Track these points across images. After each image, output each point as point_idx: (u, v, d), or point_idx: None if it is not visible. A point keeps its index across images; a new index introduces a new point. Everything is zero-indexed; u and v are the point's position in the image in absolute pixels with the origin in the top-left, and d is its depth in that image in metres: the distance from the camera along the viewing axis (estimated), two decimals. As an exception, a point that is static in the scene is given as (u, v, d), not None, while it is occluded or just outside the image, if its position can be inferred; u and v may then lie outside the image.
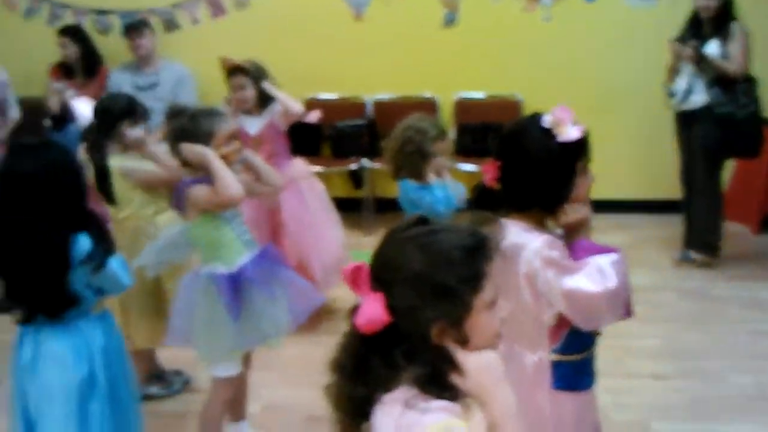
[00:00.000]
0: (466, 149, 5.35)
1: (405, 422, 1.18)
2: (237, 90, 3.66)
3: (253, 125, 3.75)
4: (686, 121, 4.53)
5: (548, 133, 1.75)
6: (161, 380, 3.19)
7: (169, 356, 3.23)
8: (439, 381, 1.22)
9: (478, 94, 5.58)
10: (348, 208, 5.47)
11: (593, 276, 1.70)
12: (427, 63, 5.54)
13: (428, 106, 5.56)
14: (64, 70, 5.43)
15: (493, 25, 5.48)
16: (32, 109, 5.33)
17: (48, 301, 2.02)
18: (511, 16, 5.47)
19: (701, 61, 4.34)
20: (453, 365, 1.23)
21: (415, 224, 1.29)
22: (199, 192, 2.33)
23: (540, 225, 1.81)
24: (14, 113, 5.31)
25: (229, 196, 2.29)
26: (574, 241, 1.80)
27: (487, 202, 1.84)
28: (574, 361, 1.82)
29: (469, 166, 5.16)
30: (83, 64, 5.40)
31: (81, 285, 2.03)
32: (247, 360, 2.59)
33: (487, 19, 5.48)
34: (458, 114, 5.59)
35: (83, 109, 2.16)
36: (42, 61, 5.46)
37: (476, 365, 1.23)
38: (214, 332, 2.34)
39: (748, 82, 4.37)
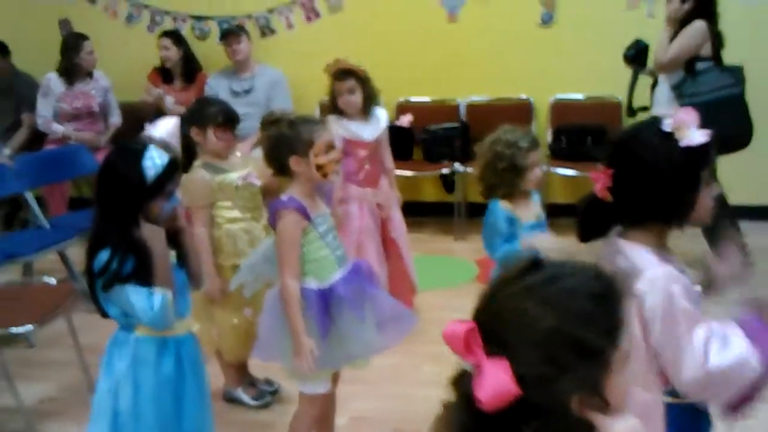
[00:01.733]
0: (562, 153, 5.16)
1: None
2: (346, 94, 3.58)
3: (365, 130, 3.68)
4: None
5: (669, 138, 1.57)
6: (253, 388, 3.17)
7: (259, 364, 3.22)
8: None
9: (576, 96, 5.38)
10: (439, 213, 5.41)
11: (730, 356, 1.49)
12: (523, 64, 5.39)
13: (523, 108, 5.42)
14: (162, 75, 5.56)
15: (593, 23, 5.26)
16: (132, 114, 5.50)
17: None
18: (612, 13, 5.24)
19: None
20: None
21: (527, 270, 1.08)
22: (288, 228, 2.29)
23: (659, 243, 1.64)
24: (116, 119, 5.50)
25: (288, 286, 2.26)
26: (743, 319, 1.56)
27: (597, 214, 1.69)
28: (690, 405, 1.65)
29: (566, 171, 4.99)
30: (182, 68, 5.51)
31: (102, 298, 2.02)
32: (335, 377, 2.53)
33: (586, 16, 5.27)
34: (554, 116, 5.40)
35: (163, 127, 2.12)
36: (142, 67, 5.61)
37: None
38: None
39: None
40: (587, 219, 1.72)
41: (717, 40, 4.13)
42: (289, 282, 2.26)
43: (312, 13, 5.69)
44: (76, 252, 3.89)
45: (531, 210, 2.78)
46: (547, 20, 5.37)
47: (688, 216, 1.62)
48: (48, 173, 4.63)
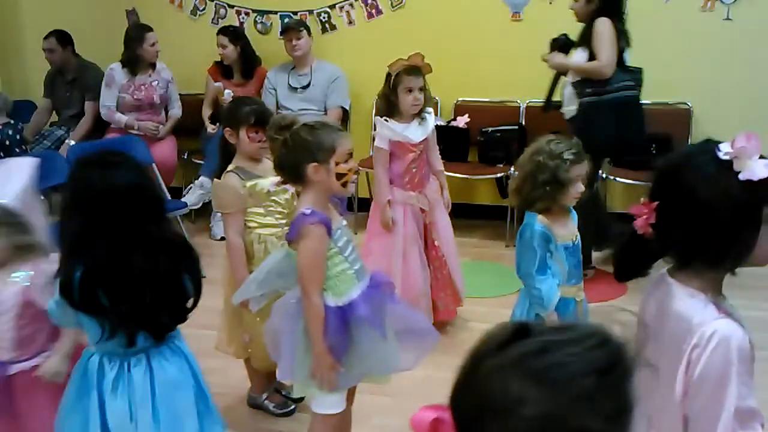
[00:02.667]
0: (624, 161, 4.94)
1: None
2: (416, 91, 3.46)
3: (416, 132, 3.57)
4: None
5: (726, 168, 1.36)
6: (278, 395, 3.13)
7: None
8: None
9: (643, 101, 5.09)
10: (492, 217, 5.27)
11: None
12: (588, 66, 5.17)
13: (586, 113, 5.21)
14: (222, 70, 5.59)
15: (664, 26, 5.00)
16: (193, 106, 5.56)
17: None
18: (686, 16, 4.98)
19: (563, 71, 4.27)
20: None
21: (514, 337, 0.87)
22: (315, 245, 2.17)
23: (715, 288, 1.44)
24: (176, 110, 5.57)
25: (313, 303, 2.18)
26: None
27: (637, 252, 1.50)
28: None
29: (625, 181, 4.78)
30: (241, 64, 5.52)
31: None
32: (351, 396, 2.44)
33: (657, 18, 5.02)
34: (619, 122, 5.17)
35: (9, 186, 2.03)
36: (204, 59, 5.65)
37: None
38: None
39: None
40: (626, 257, 1.54)
41: (622, 39, 4.16)
42: (316, 300, 2.16)
43: (374, 10, 5.61)
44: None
45: (568, 229, 2.62)
46: (615, 21, 5.13)
47: (745, 260, 1.42)
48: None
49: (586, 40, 4.18)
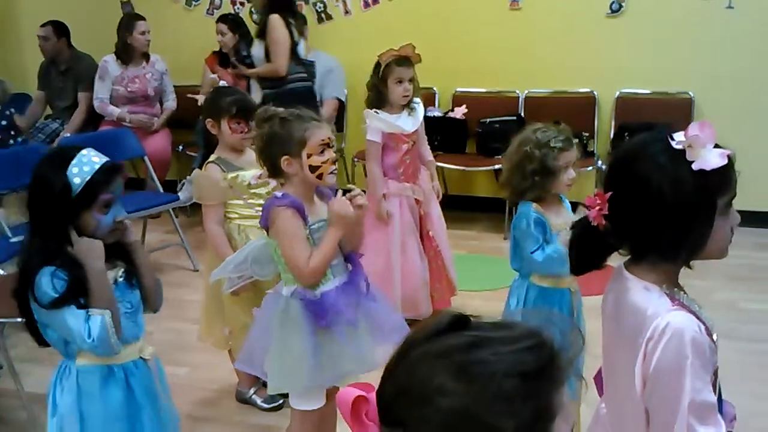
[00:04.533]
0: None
1: None
2: (403, 82, 3.42)
3: (407, 122, 3.52)
4: None
5: (679, 157, 1.32)
6: (266, 389, 3.07)
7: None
8: None
9: (643, 90, 5.06)
10: (490, 209, 5.19)
11: None
12: (587, 55, 5.10)
13: (586, 103, 5.14)
14: (219, 59, 5.52)
15: (666, 13, 4.92)
16: (189, 98, 5.49)
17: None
18: (687, 4, 4.89)
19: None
20: None
21: (449, 328, 0.87)
22: (285, 222, 2.12)
23: (671, 280, 1.40)
24: (171, 103, 5.51)
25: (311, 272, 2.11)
26: None
27: (591, 244, 1.45)
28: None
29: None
30: (238, 53, 5.45)
31: (40, 324, 1.86)
32: (333, 392, 2.37)
33: (658, 7, 4.94)
34: (619, 112, 5.10)
35: None
36: (200, 51, 5.57)
37: None
38: (287, 364, 2.13)
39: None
40: (580, 250, 1.48)
41: (294, 33, 4.57)
42: (310, 270, 2.10)
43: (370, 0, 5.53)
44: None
45: (562, 216, 2.56)
46: (615, 9, 5.05)
47: (699, 252, 1.36)
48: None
49: (262, 32, 4.67)
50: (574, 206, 2.31)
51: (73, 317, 1.78)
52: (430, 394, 0.82)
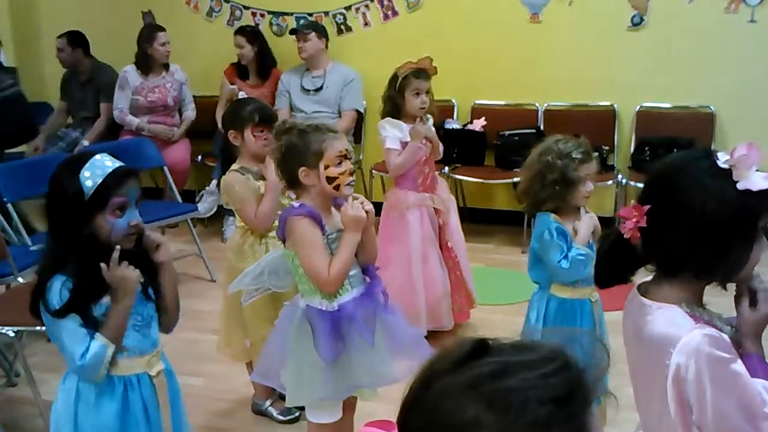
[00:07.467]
0: (645, 166, 4.80)
1: None
2: (420, 94, 3.45)
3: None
4: None
5: (724, 176, 1.31)
6: (282, 402, 3.04)
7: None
8: None
9: (664, 104, 5.01)
10: (509, 223, 5.16)
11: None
12: (608, 68, 5.06)
13: (606, 116, 5.11)
14: (238, 71, 5.55)
15: (687, 27, 4.88)
16: (209, 108, 5.52)
17: None
18: (709, 17, 4.84)
19: None
20: None
21: (470, 356, 0.83)
22: (302, 231, 2.11)
23: (694, 299, 1.38)
24: (190, 113, 5.54)
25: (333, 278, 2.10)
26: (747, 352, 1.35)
27: (621, 258, 1.43)
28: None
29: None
30: (257, 65, 5.48)
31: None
32: (350, 406, 2.35)
33: (680, 20, 4.89)
34: (639, 126, 5.05)
35: None
36: (220, 61, 5.62)
37: None
38: (303, 376, 2.12)
39: None
40: (608, 263, 1.46)
41: None
42: (332, 277, 2.09)
43: (390, 11, 5.54)
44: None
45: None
46: (636, 22, 5.02)
47: (736, 274, 1.35)
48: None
49: None
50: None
51: (69, 335, 1.78)
52: (464, 427, 0.78)
